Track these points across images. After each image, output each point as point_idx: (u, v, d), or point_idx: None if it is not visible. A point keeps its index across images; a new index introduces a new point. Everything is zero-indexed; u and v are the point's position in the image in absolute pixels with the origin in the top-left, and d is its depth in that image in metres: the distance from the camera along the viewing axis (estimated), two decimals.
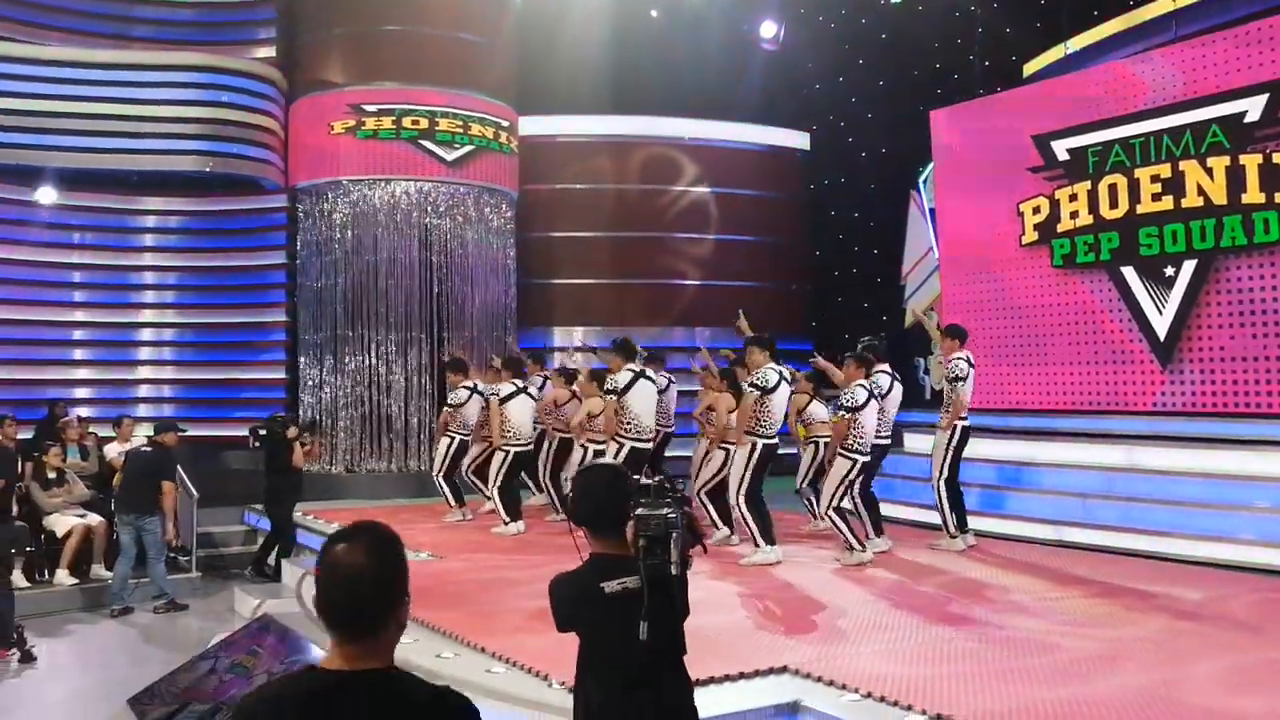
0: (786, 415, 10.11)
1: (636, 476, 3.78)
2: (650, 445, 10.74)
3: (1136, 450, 10.86)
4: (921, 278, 17.12)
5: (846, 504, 9.81)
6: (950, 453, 10.19)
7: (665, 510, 3.46)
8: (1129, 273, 11.51)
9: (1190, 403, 11.06)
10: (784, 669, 6.15)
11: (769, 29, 18.53)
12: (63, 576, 11.72)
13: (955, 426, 10.14)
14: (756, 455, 9.58)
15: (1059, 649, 6.67)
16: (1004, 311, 12.67)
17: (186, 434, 12.35)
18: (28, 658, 9.36)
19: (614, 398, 10.23)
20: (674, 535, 3.42)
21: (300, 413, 16.23)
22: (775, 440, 9.75)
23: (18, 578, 11.16)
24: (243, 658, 7.64)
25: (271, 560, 12.67)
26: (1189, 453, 10.46)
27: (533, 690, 5.85)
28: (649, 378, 10.55)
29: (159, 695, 7.62)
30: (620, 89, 18.23)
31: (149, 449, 11.61)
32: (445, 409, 12.89)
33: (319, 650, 7.01)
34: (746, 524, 9.67)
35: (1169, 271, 11.15)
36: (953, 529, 10.18)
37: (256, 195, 17.62)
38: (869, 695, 5.64)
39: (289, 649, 7.40)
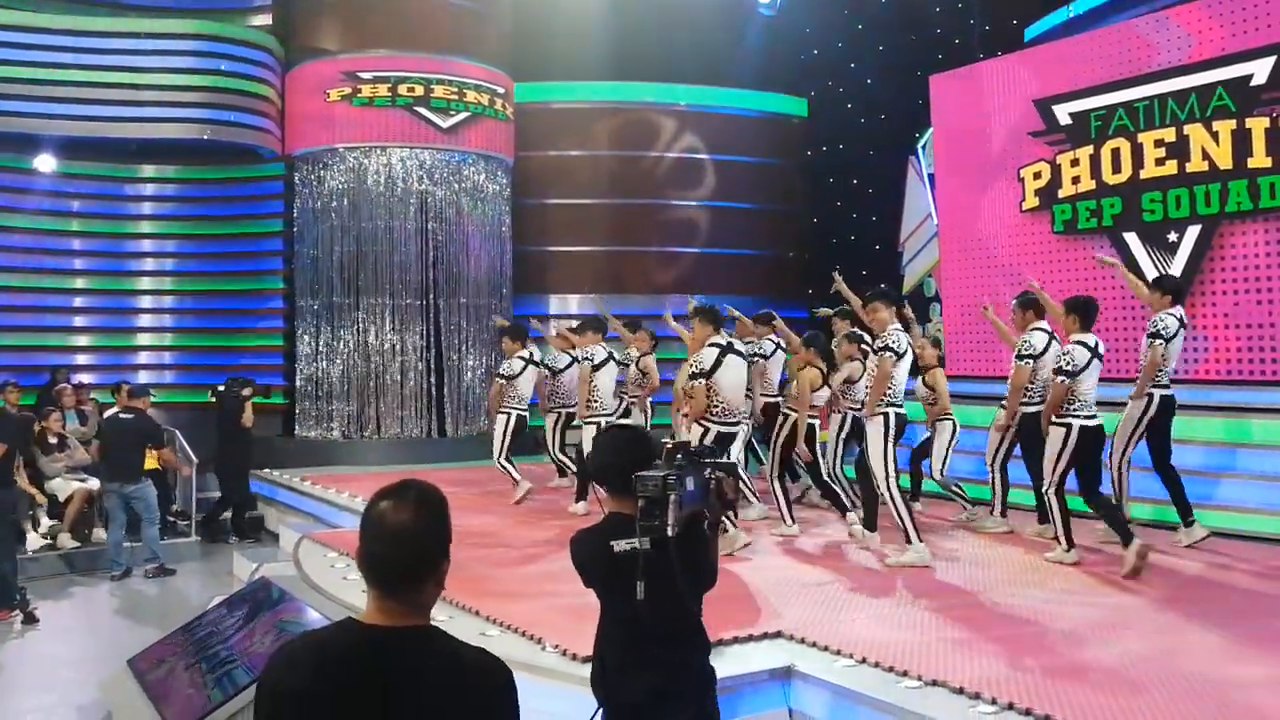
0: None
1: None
2: (737, 428, 9.15)
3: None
4: (920, 244, 17.04)
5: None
6: (1141, 426, 8.86)
7: (665, 472, 3.45)
8: (1132, 239, 11.42)
9: (1193, 370, 11.00)
10: (778, 634, 6.14)
11: None
12: (64, 540, 11.85)
13: (1152, 395, 8.83)
14: (894, 428, 8.39)
15: (1059, 617, 6.65)
16: (1003, 278, 12.58)
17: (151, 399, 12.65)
18: (30, 619, 9.59)
19: (701, 382, 8.76)
20: (671, 497, 3.40)
21: (297, 379, 16.38)
22: (904, 409, 8.66)
23: (35, 539, 11.58)
24: (240, 620, 7.66)
25: (228, 519, 13.41)
26: (1191, 420, 10.37)
27: (526, 653, 5.83)
28: (737, 351, 9.09)
29: (158, 656, 7.65)
30: (617, 55, 18.07)
31: (129, 415, 11.66)
32: (497, 380, 11.95)
33: (315, 612, 7.03)
34: (897, 514, 8.29)
35: (1172, 237, 11.06)
36: (1128, 519, 8.60)
37: (254, 163, 17.57)
38: (863, 661, 5.62)
39: (287, 611, 7.42)
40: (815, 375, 9.59)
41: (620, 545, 3.49)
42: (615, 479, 3.66)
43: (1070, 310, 8.48)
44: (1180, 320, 9.00)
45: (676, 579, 3.48)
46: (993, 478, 9.83)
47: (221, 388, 13.85)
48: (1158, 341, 8.81)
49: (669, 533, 3.40)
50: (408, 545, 2.39)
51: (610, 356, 11.04)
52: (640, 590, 3.43)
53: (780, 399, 10.72)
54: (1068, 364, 8.13)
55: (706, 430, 8.76)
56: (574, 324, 12.28)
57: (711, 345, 8.82)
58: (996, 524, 9.71)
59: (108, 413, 12.47)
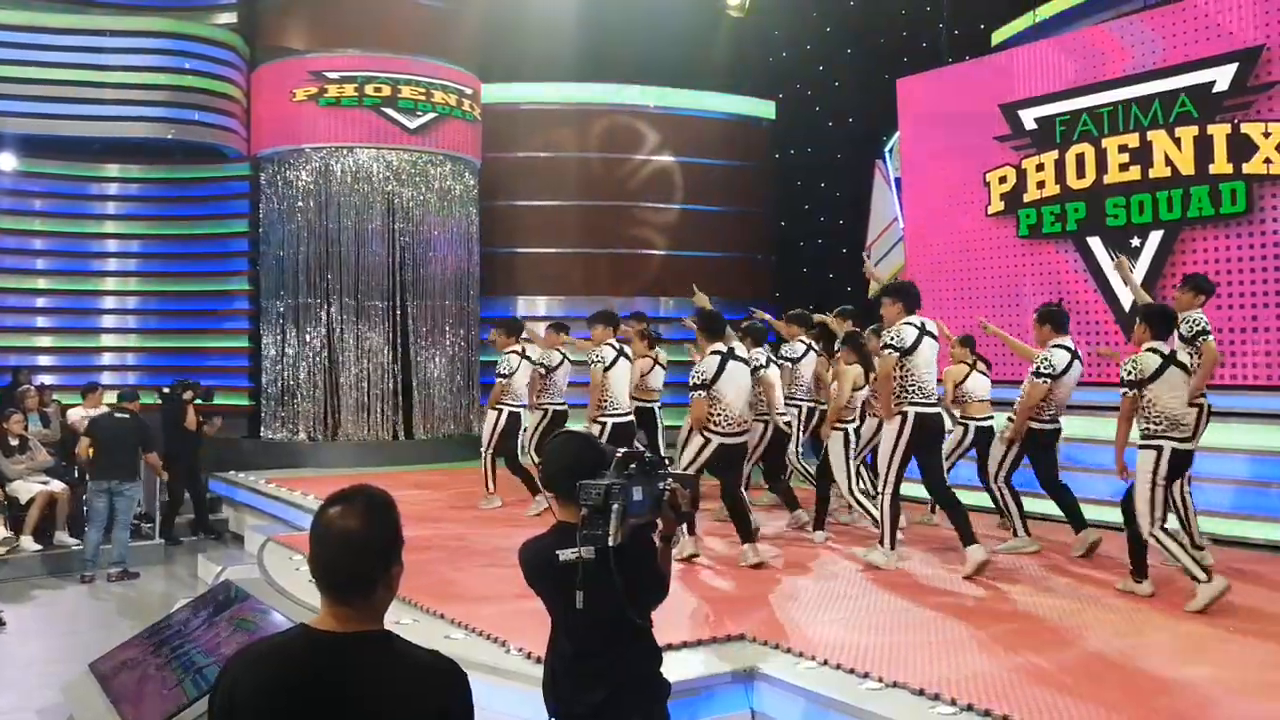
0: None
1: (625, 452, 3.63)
2: (743, 439, 8.68)
3: (1097, 421, 10.83)
4: (886, 248, 17.09)
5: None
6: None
7: (608, 481, 3.43)
8: (1095, 243, 11.49)
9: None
10: (741, 636, 6.15)
11: None
12: (27, 543, 11.75)
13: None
14: (908, 429, 8.02)
15: (1018, 618, 6.71)
16: (969, 282, 12.64)
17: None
18: None
19: (702, 394, 8.30)
20: (614, 507, 3.38)
21: (263, 381, 16.35)
22: (935, 408, 8.20)
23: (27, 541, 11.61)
24: (205, 622, 7.61)
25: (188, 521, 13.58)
26: None
27: (490, 656, 5.83)
28: (739, 358, 8.56)
29: (121, 659, 7.60)
30: (585, 57, 18.12)
31: (125, 416, 11.64)
32: (499, 381, 11.33)
33: (280, 615, 6.99)
34: (881, 516, 8.20)
35: (1135, 242, 11.13)
36: (1199, 539, 8.23)
37: (219, 163, 17.49)
38: (825, 663, 5.64)
39: (246, 609, 7.38)
40: (857, 373, 9.11)
41: (565, 555, 3.49)
42: (563, 487, 3.63)
43: (1144, 319, 7.61)
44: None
45: (629, 587, 3.47)
46: (1000, 495, 9.08)
47: (167, 390, 13.99)
48: (1211, 339, 8.24)
49: (610, 542, 3.38)
50: (356, 551, 2.39)
51: (620, 354, 10.37)
52: (580, 600, 3.42)
53: (818, 403, 10.36)
54: (1131, 372, 7.27)
55: (707, 441, 8.35)
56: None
57: (713, 353, 8.41)
58: (1024, 543, 8.89)
59: (95, 412, 12.35)
